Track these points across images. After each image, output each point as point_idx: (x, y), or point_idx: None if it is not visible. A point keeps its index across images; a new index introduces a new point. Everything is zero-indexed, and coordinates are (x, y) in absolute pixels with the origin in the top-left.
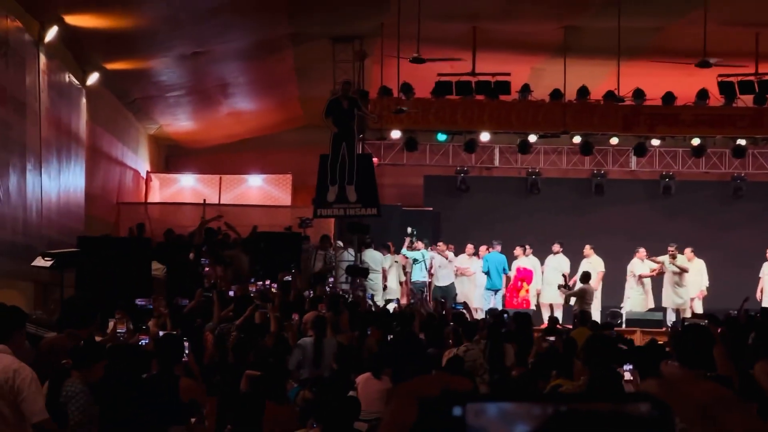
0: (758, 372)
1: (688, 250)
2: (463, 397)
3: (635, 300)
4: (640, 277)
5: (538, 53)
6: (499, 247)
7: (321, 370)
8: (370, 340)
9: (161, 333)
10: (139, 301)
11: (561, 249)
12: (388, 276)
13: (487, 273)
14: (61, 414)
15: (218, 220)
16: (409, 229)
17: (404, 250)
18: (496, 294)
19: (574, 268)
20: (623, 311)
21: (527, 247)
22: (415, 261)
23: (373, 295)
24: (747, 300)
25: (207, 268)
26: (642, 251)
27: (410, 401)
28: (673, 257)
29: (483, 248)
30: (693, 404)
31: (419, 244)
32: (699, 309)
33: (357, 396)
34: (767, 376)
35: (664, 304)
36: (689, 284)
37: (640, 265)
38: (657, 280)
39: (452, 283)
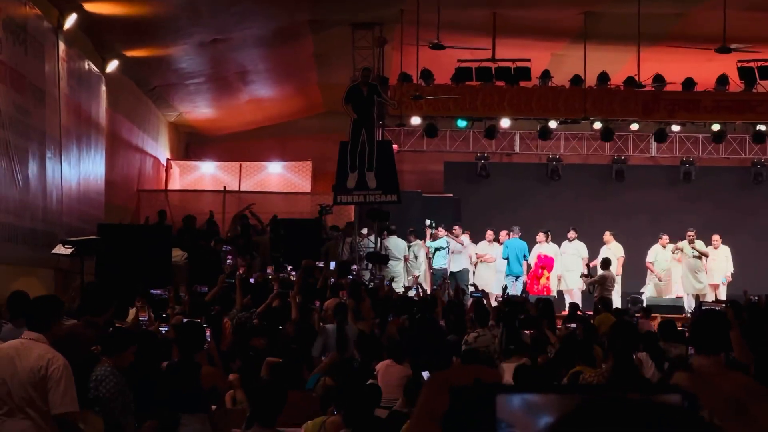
0: None
1: (715, 237)
2: (493, 388)
3: (655, 286)
4: (648, 265)
5: (558, 39)
6: (518, 233)
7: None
8: (391, 327)
9: (185, 320)
10: (154, 291)
11: (576, 235)
12: (419, 263)
13: (507, 259)
14: (90, 400)
15: (250, 208)
16: (428, 221)
17: (428, 242)
18: (517, 280)
19: (592, 253)
20: (644, 297)
21: (549, 233)
22: (438, 249)
23: (391, 281)
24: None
25: (229, 257)
26: (665, 238)
27: (442, 390)
28: (692, 242)
29: (503, 233)
30: (724, 397)
31: (441, 231)
32: (723, 295)
33: (377, 383)
34: None
35: (684, 291)
36: (716, 270)
37: (661, 251)
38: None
39: (465, 269)
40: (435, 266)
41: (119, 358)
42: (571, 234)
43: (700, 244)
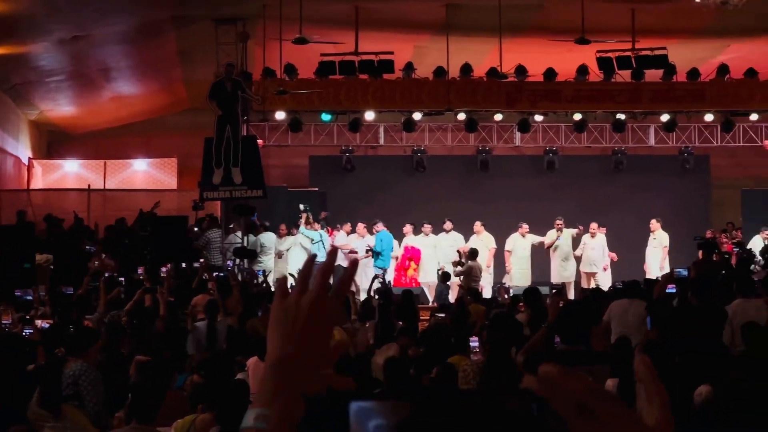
0: (637, 364)
1: (593, 225)
2: (346, 396)
3: (519, 274)
4: (506, 254)
5: (420, 31)
6: (382, 227)
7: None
8: (254, 322)
9: (45, 323)
10: (17, 292)
11: (453, 226)
12: (290, 258)
13: (380, 253)
14: (68, 396)
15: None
16: (302, 206)
17: (302, 229)
18: (385, 273)
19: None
20: (507, 285)
21: (426, 225)
22: (311, 241)
23: (264, 274)
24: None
25: (95, 258)
26: (525, 227)
27: (297, 398)
28: (560, 230)
29: (361, 226)
30: (570, 399)
31: (316, 225)
32: (603, 281)
33: (248, 379)
34: (645, 368)
35: (552, 280)
36: (594, 259)
37: (520, 240)
38: (542, 254)
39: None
40: None
41: (86, 356)
42: (448, 225)
43: (568, 233)
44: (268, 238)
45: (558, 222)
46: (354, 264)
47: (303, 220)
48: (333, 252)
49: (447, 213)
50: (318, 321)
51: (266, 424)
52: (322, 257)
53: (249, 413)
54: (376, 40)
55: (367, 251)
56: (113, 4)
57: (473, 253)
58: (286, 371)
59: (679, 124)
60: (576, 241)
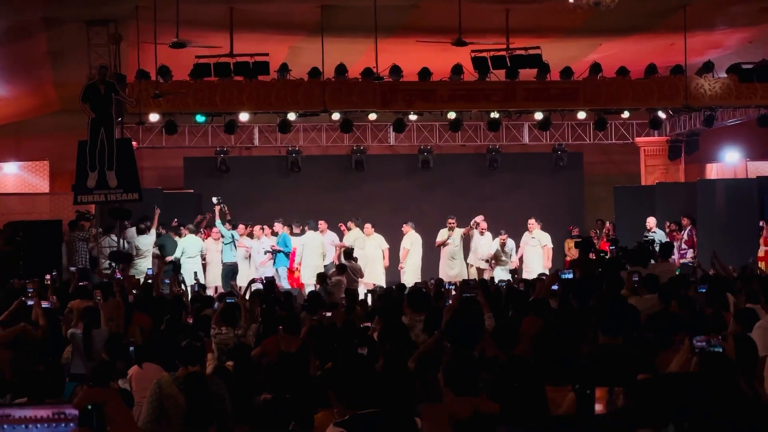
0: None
1: (483, 223)
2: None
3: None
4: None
5: (295, 32)
6: (283, 227)
7: (93, 363)
8: (133, 329)
9: None
10: None
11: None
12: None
13: (286, 254)
14: None
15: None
16: (215, 199)
17: (218, 223)
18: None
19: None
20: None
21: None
22: (224, 243)
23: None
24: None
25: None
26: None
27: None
28: (451, 229)
29: (242, 227)
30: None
31: (230, 227)
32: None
33: (130, 388)
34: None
35: (440, 276)
36: (485, 255)
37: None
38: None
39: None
40: (224, 260)
41: None
42: (322, 225)
43: (458, 232)
44: (144, 240)
45: (450, 221)
46: None
47: (217, 214)
48: None
49: (322, 213)
50: None
51: None
52: (234, 257)
53: None
54: (251, 42)
55: (266, 252)
56: None
57: (348, 253)
58: None
59: (552, 123)
60: (465, 240)
